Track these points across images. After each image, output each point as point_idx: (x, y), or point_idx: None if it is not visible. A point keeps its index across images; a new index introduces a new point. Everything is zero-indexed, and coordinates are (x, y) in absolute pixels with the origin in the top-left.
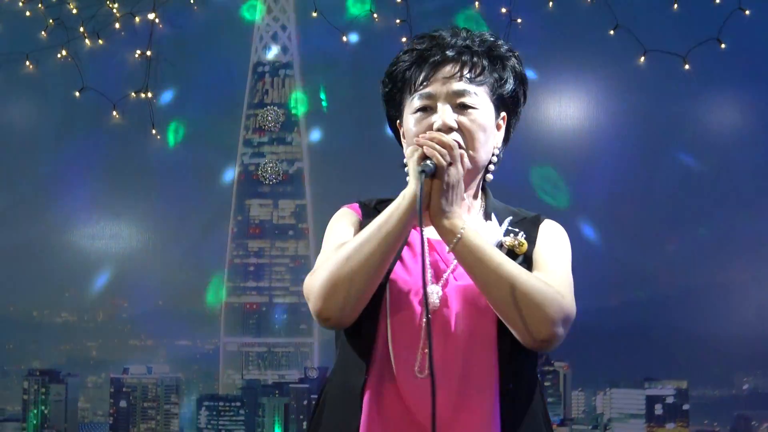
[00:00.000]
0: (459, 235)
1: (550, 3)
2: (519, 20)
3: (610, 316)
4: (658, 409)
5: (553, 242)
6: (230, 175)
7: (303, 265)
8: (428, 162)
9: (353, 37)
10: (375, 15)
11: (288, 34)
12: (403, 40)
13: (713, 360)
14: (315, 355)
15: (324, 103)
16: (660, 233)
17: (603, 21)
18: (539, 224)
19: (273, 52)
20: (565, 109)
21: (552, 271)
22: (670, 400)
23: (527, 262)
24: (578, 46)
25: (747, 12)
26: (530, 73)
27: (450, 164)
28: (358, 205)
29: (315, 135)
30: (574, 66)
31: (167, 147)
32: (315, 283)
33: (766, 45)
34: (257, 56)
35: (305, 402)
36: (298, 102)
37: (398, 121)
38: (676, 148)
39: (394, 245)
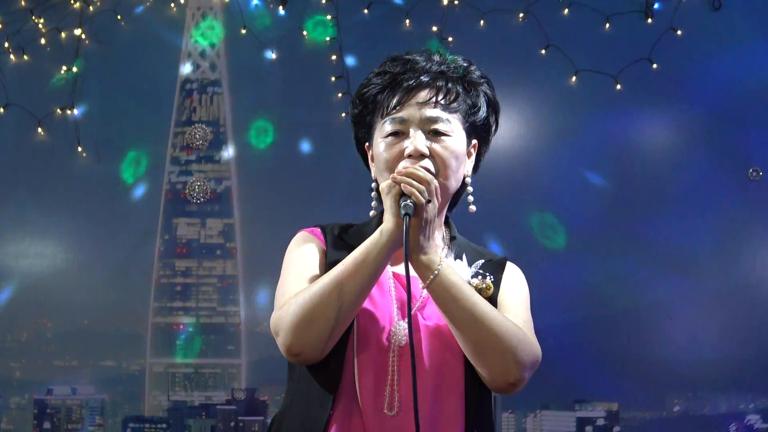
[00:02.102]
0: (436, 272)
1: (481, 21)
2: (450, 38)
3: (540, 337)
4: (589, 431)
5: (517, 288)
6: (157, 193)
7: (231, 285)
8: (409, 202)
9: (283, 55)
10: (305, 32)
11: (216, 51)
12: (333, 57)
13: (644, 382)
14: (242, 376)
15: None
16: (589, 254)
17: (534, 40)
18: (504, 268)
19: (201, 69)
20: None
21: (517, 316)
22: (600, 422)
23: (492, 305)
24: (509, 65)
25: (679, 32)
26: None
27: (428, 201)
28: (319, 231)
29: (243, 153)
30: (504, 85)
31: (93, 165)
32: (286, 317)
33: (697, 65)
34: (185, 73)
35: (232, 424)
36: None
37: (366, 143)
38: (606, 168)
39: (371, 282)
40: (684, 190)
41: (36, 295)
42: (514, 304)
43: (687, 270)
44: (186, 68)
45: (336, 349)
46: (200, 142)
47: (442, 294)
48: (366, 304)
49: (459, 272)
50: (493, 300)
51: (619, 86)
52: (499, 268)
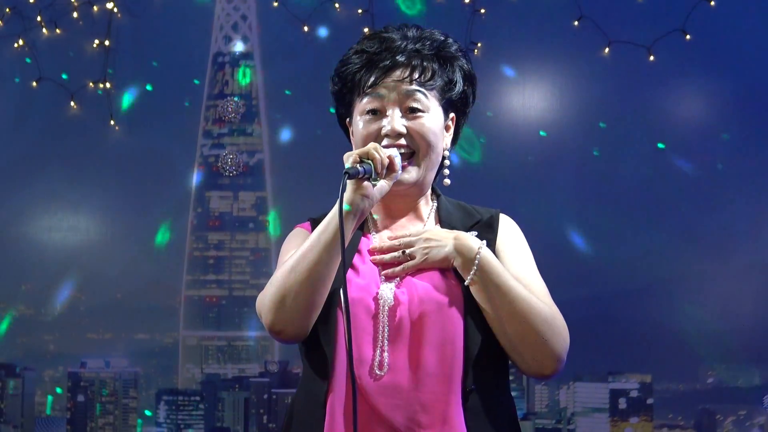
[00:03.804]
0: (476, 261)
1: None
2: (482, 10)
3: (574, 309)
4: (622, 403)
5: (518, 246)
6: (190, 166)
7: (263, 258)
8: (357, 166)
9: (315, 27)
10: (337, 5)
11: (249, 24)
12: (365, 30)
13: (677, 354)
14: (275, 349)
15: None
16: (623, 226)
17: (567, 12)
18: (496, 225)
19: (233, 43)
20: (528, 99)
21: (533, 284)
22: (634, 394)
23: None
24: (542, 37)
25: (712, 3)
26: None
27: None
28: (309, 223)
29: (276, 126)
30: (537, 57)
31: (126, 138)
32: (265, 298)
33: (730, 36)
34: (217, 46)
35: (265, 396)
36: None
37: (348, 120)
38: (640, 139)
39: (336, 251)
40: (717, 160)
41: (69, 268)
42: (524, 269)
43: (721, 241)
44: (218, 41)
45: (326, 322)
46: (232, 115)
47: (483, 290)
48: (351, 275)
49: None
50: None
51: (652, 57)
52: (489, 227)
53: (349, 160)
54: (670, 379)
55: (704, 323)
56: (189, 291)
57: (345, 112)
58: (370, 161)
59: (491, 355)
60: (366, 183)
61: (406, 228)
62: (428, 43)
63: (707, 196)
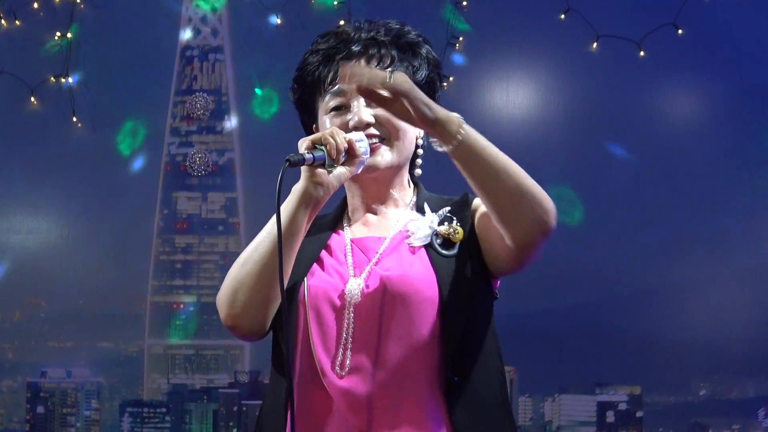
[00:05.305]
0: (463, 124)
1: None
2: (464, 2)
3: (560, 318)
4: (610, 416)
5: None
6: (156, 166)
7: (234, 262)
8: (305, 152)
9: (288, 20)
10: None
11: (218, 16)
12: (341, 22)
13: (668, 364)
14: (246, 358)
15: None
16: (611, 231)
17: (553, 4)
18: (470, 202)
19: (202, 35)
20: (512, 97)
21: None
22: (622, 406)
23: (465, 249)
24: (527, 31)
25: None
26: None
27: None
28: None
29: (247, 123)
30: (522, 51)
31: (89, 136)
32: (221, 293)
33: (724, 31)
34: (185, 39)
35: (235, 408)
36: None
37: (314, 125)
38: (628, 139)
39: (289, 241)
40: (711, 161)
41: (29, 273)
42: None
43: (712, 247)
44: (186, 34)
45: (289, 321)
46: (201, 111)
47: (472, 147)
48: (316, 271)
49: (422, 225)
50: (464, 243)
51: (642, 53)
52: (464, 205)
53: (302, 146)
54: (660, 392)
55: (696, 333)
56: (155, 297)
57: (309, 119)
58: (323, 147)
59: (472, 347)
60: (320, 170)
61: (381, 222)
62: (383, 30)
63: (699, 199)
